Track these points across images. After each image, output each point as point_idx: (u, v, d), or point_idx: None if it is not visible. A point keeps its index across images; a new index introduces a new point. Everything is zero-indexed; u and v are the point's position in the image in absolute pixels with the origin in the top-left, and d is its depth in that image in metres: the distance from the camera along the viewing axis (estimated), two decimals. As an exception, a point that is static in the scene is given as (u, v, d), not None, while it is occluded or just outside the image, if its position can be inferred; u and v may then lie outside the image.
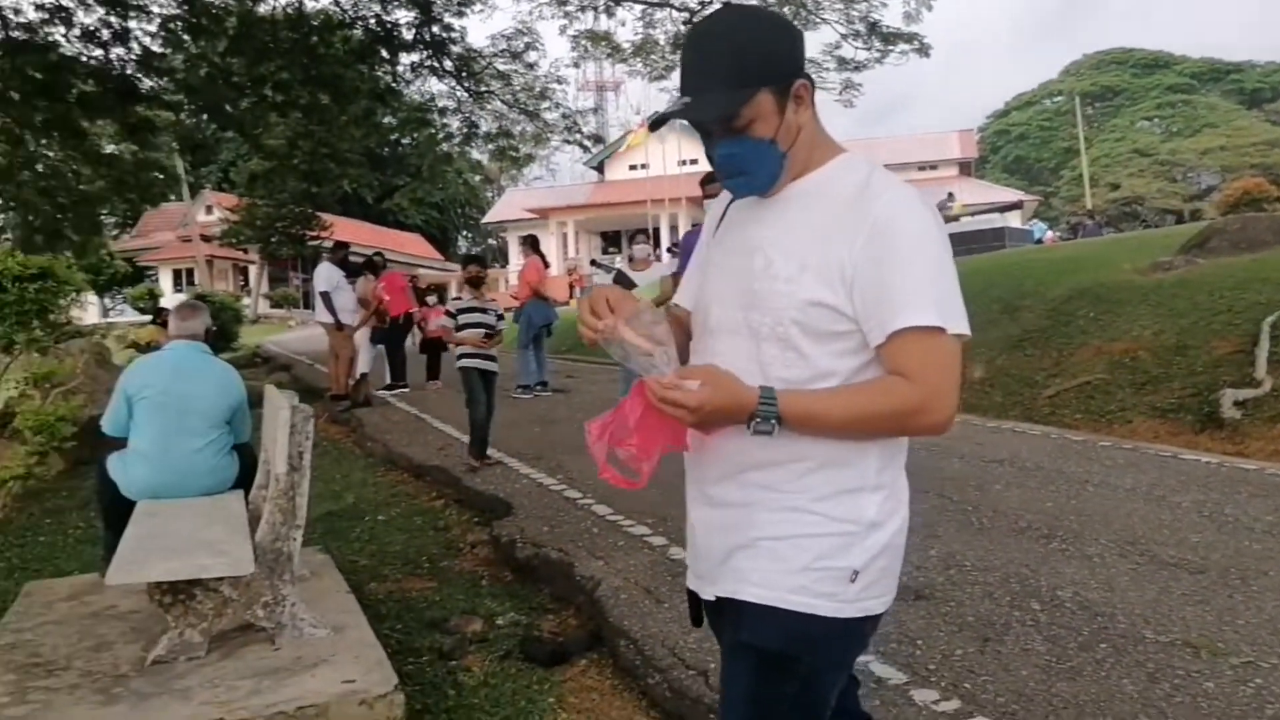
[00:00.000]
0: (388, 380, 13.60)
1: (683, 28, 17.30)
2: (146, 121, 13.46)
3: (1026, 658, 3.84)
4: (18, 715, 3.37)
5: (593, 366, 15.75)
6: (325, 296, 12.19)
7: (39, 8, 12.18)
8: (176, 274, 45.70)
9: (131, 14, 13.10)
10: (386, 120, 18.52)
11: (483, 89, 18.16)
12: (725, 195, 2.01)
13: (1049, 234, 32.69)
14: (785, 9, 16.76)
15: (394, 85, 16.87)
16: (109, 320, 38.22)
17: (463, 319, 7.94)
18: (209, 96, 13.31)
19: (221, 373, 5.15)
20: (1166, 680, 3.57)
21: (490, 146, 19.56)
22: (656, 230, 37.21)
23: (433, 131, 18.94)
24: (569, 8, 18.39)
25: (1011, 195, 39.22)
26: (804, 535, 1.77)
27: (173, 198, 37.10)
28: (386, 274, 13.52)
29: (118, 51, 13.16)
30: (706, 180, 6.69)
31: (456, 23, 16.85)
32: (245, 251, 42.36)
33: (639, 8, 18.61)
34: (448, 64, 17.10)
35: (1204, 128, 68.04)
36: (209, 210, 43.69)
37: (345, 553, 5.82)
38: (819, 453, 1.76)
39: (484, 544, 6.04)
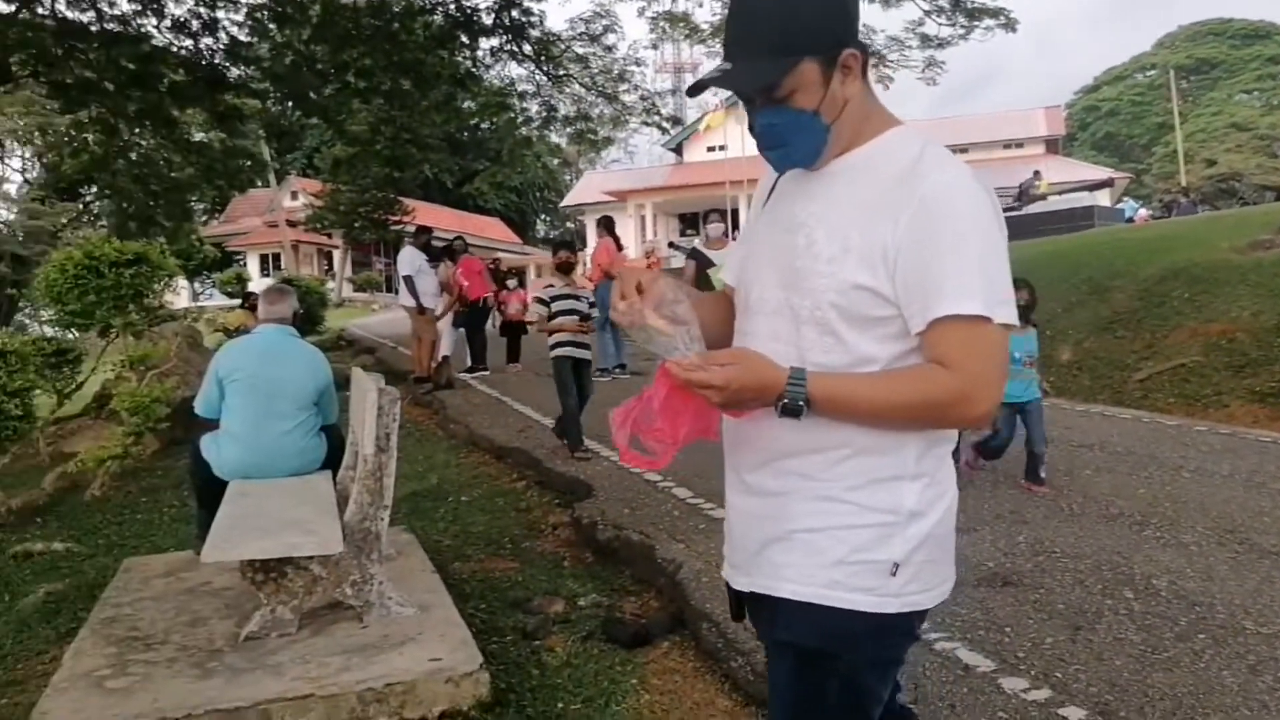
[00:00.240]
0: (468, 363, 13.73)
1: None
2: (234, 109, 13.73)
3: (1120, 647, 3.75)
4: (119, 687, 3.48)
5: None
6: (408, 280, 12.34)
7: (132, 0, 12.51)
8: (263, 259, 46.66)
9: (220, 4, 13.37)
10: (466, 105, 18.66)
11: (561, 72, 18.18)
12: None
13: (1141, 212, 31.76)
14: (865, -16, 16.47)
15: (474, 70, 16.98)
16: (199, 305, 39.27)
17: (556, 306, 7.85)
18: (294, 84, 13.53)
19: (309, 355, 5.24)
20: (1269, 673, 3.46)
21: (569, 130, 19.59)
22: (735, 211, 36.99)
23: (512, 116, 19.03)
24: (648, -11, 18.33)
25: (1101, 173, 38.06)
26: (839, 527, 1.70)
27: (259, 184, 38.01)
28: (464, 259, 13.62)
29: (206, 41, 13.46)
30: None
31: (535, 6, 16.96)
32: (329, 236, 43.11)
33: (718, -12, 18.45)
34: (527, 48, 17.15)
35: (1306, 100, 65.50)
36: (294, 196, 44.50)
37: (430, 533, 5.90)
38: (855, 439, 1.69)
39: (565, 526, 6.07)
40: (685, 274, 11.38)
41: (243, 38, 13.89)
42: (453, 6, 15.44)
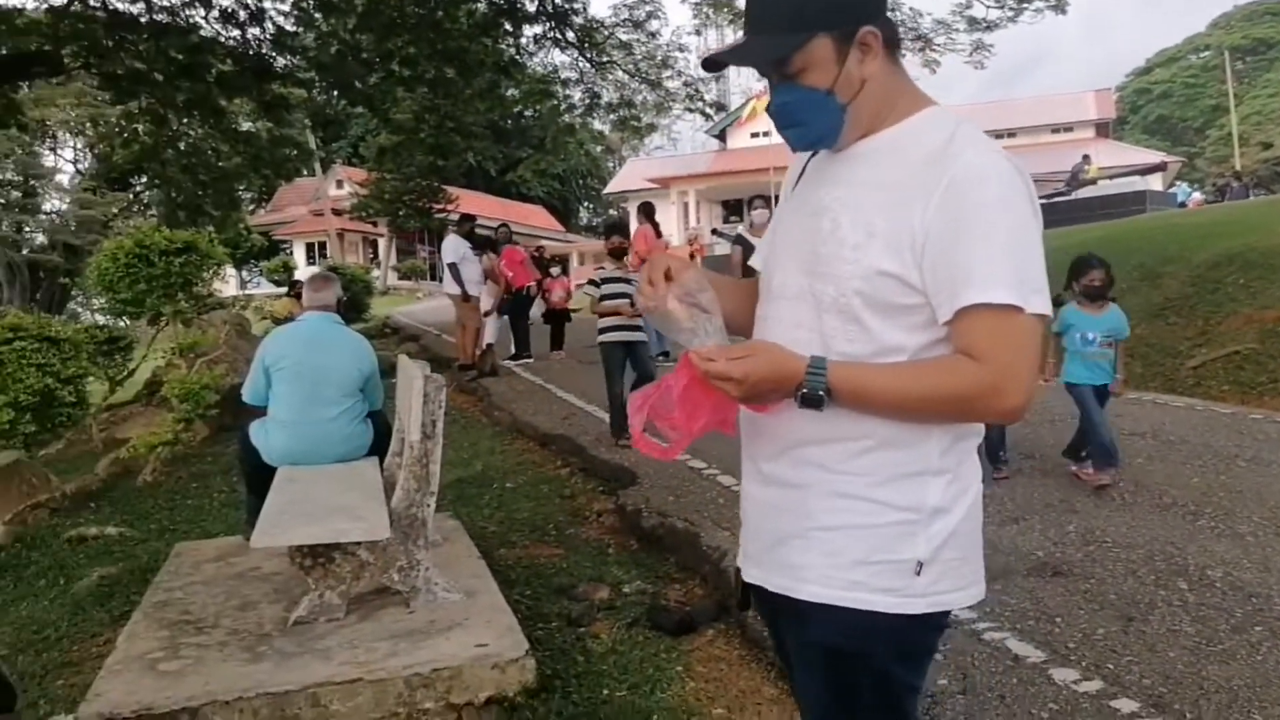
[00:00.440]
0: (512, 350, 13.78)
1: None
2: (281, 99, 13.86)
3: (1174, 639, 3.68)
4: (171, 669, 3.53)
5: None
6: (452, 268, 12.40)
7: (180, -10, 12.64)
8: (309, 247, 47.13)
9: (266, -6, 13.50)
10: (510, 93, 18.65)
11: (605, 59, 18.14)
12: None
13: (1195, 196, 31.20)
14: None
15: (517, 58, 16.98)
16: (246, 293, 39.74)
17: (606, 289, 7.79)
18: (339, 73, 13.62)
19: (353, 342, 5.28)
20: (1330, 667, 3.39)
21: (612, 117, 19.53)
22: (779, 197, 36.82)
23: (555, 103, 19.00)
24: (691, -26, 18.21)
25: (1153, 157, 37.36)
26: (858, 525, 1.65)
27: (305, 173, 38.36)
28: (506, 248, 13.67)
29: (253, 32, 13.57)
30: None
31: (578, -7, 16.86)
32: (374, 225, 43.43)
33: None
34: (570, 35, 17.12)
35: (1366, 81, 63.94)
36: (339, 185, 44.89)
37: (475, 519, 5.93)
38: (878, 431, 1.63)
39: (609, 513, 6.08)
40: (732, 261, 11.34)
41: (289, 27, 14.01)
42: (496, -7, 15.47)
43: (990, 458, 5.90)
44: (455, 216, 19.52)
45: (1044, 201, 22.30)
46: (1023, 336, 1.55)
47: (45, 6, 11.70)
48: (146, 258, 10.60)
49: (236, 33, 13.43)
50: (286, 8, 13.89)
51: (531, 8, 16.08)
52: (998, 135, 38.92)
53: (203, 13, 13.02)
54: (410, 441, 4.15)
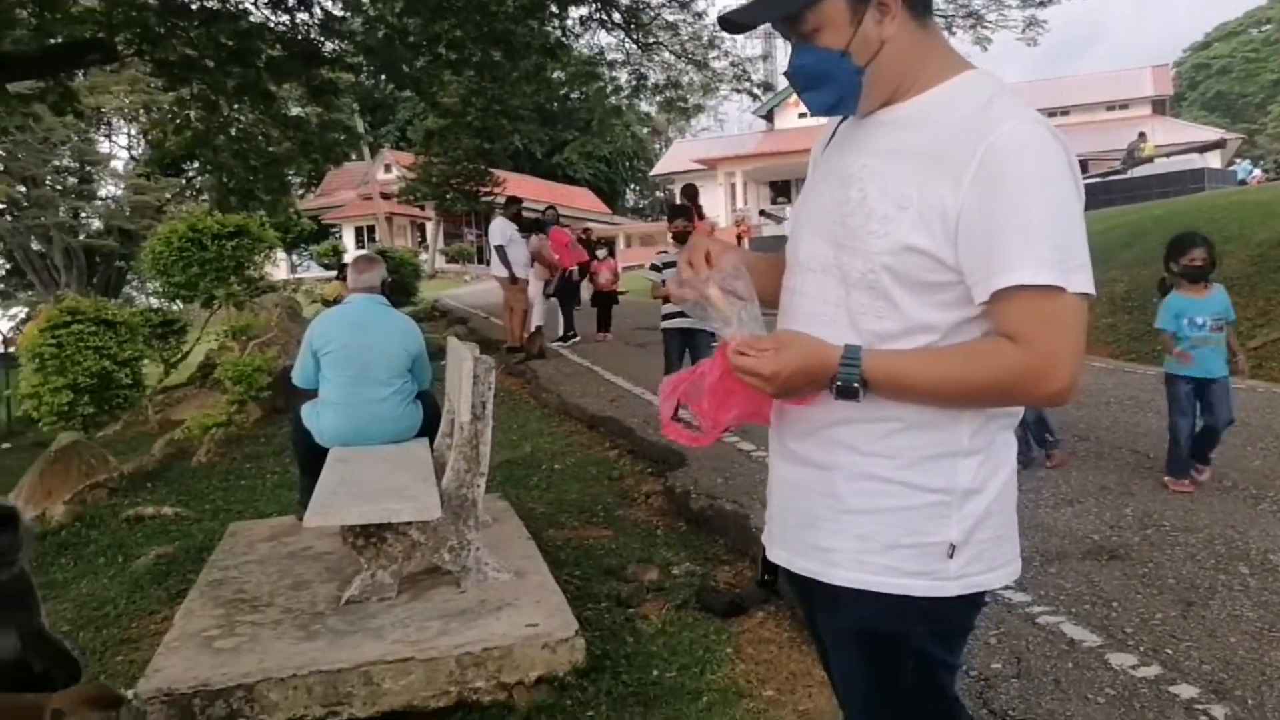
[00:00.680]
0: (560, 333, 13.82)
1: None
2: (329, 83, 13.92)
3: (1235, 624, 3.61)
4: (227, 646, 3.58)
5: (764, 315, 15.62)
6: (500, 250, 12.44)
7: (229, -25, 12.73)
8: (358, 231, 47.51)
9: (314, -21, 13.55)
10: (556, 75, 18.62)
11: (651, 40, 18.03)
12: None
13: (1255, 174, 30.49)
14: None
15: (563, 40, 16.92)
16: (297, 277, 40.18)
17: (668, 274, 7.68)
18: (386, 57, 13.64)
19: (400, 323, 5.29)
20: (1398, 654, 3.30)
21: (659, 98, 19.40)
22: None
23: (601, 85, 18.93)
24: (738, -48, 18.03)
25: (1211, 134, 36.49)
26: (888, 508, 1.61)
27: (354, 157, 38.59)
28: (553, 230, 13.67)
29: (301, 17, 13.63)
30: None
31: (624, -27, 16.77)
32: (422, 208, 43.70)
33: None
34: (616, 16, 17.04)
35: None
36: (387, 169, 45.16)
37: (524, 500, 5.95)
38: (907, 413, 1.59)
39: (658, 494, 6.07)
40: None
41: (336, 12, 14.07)
42: (542, -25, 15.41)
43: (1037, 441, 5.78)
44: (502, 199, 19.59)
45: (1099, 180, 22.00)
46: (1066, 318, 1.49)
47: (99, -6, 11.87)
48: (200, 242, 10.77)
49: (285, 18, 13.51)
50: (334, -8, 13.96)
51: (577, -11, 16.01)
52: (1050, 113, 38.27)
53: (252, -2, 13.12)
54: (460, 422, 4.17)
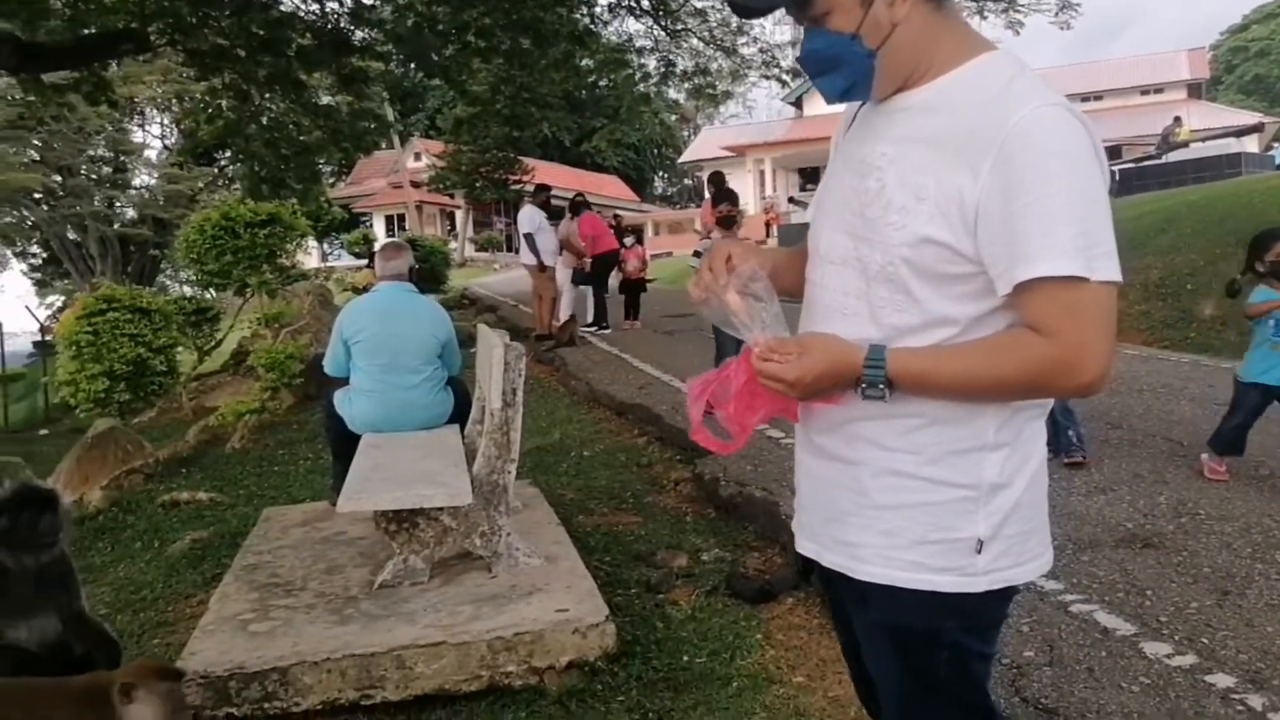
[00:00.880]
0: (589, 320, 13.81)
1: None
2: (359, 72, 13.98)
3: (1272, 614, 3.58)
4: (262, 630, 3.62)
5: (790, 306, 15.58)
6: (529, 238, 12.46)
7: (260, -34, 12.80)
8: (388, 219, 47.71)
9: (344, -32, 13.60)
10: (585, 63, 18.59)
11: (679, 27, 17.97)
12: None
13: (1292, 158, 30.00)
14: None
15: (592, 27, 16.90)
16: (328, 265, 40.42)
17: None
18: (416, 45, 13.67)
19: (429, 309, 5.32)
20: None
21: (687, 85, 19.37)
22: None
23: (630, 72, 18.90)
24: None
25: (1248, 118, 35.88)
26: (915, 504, 1.60)
27: (384, 145, 38.75)
28: (585, 214, 13.62)
29: (331, 5, 13.70)
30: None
31: (652, -41, 16.72)
32: (451, 197, 43.83)
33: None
34: (644, 2, 17.00)
35: None
36: (417, 157, 45.31)
37: (553, 487, 5.97)
38: (930, 408, 1.57)
39: (687, 481, 6.07)
40: None
41: (366, 1, 14.13)
42: (571, -37, 15.38)
43: (1057, 442, 5.42)
44: (531, 187, 19.61)
45: (1133, 166, 21.71)
46: (1092, 308, 1.45)
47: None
48: (233, 230, 10.83)
49: (315, 7, 13.59)
50: (364, -20, 14.01)
51: (605, -24, 15.99)
52: (1083, 98, 37.88)
53: (282, -13, 13.18)
54: (491, 409, 4.19)
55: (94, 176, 37.04)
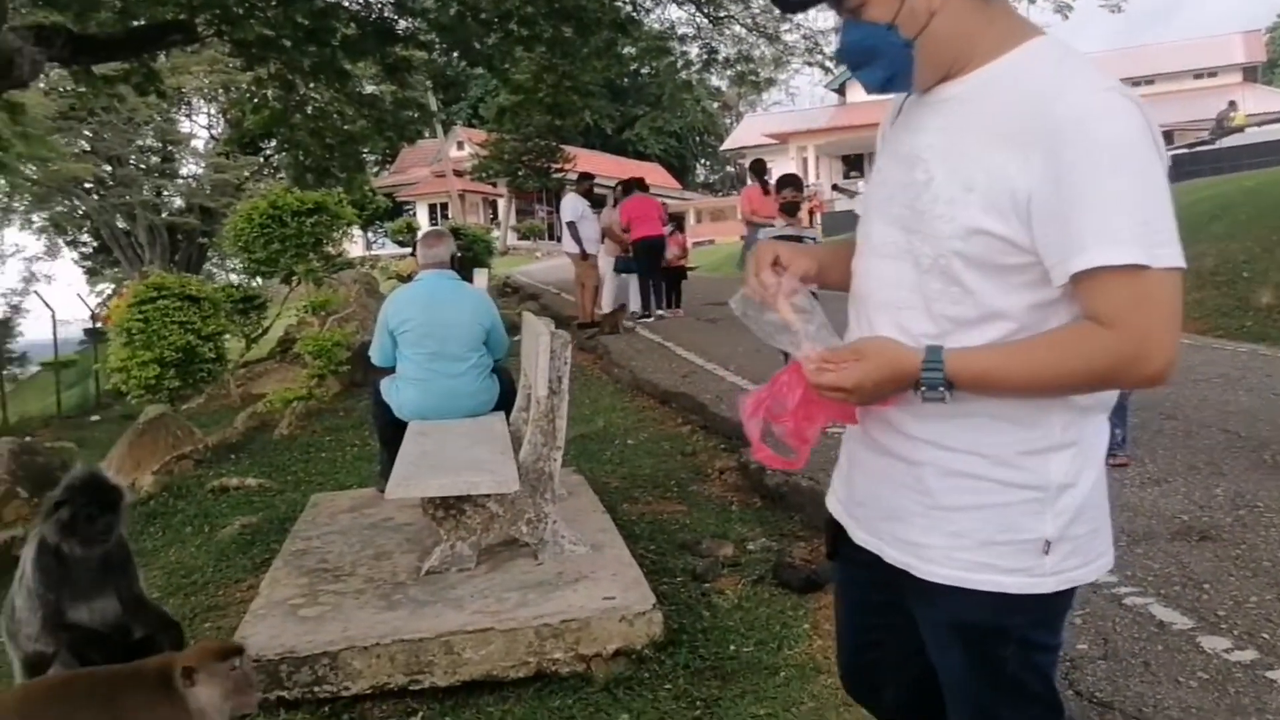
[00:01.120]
0: (635, 308, 13.74)
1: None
2: (403, 61, 14.04)
3: (1336, 609, 3.49)
4: (311, 615, 3.65)
5: (826, 294, 15.47)
6: (571, 227, 12.45)
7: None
8: (432, 208, 47.92)
9: (387, -43, 13.66)
10: (627, 50, 18.55)
11: (722, 14, 17.89)
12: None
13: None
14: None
15: (634, 15, 16.84)
16: (373, 253, 40.72)
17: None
18: (459, 34, 13.71)
19: (472, 297, 5.33)
20: None
21: (730, 72, 19.29)
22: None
23: (672, 60, 18.84)
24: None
25: (1306, 102, 35.21)
26: (981, 505, 1.57)
27: (427, 134, 38.91)
28: (635, 197, 13.25)
29: (375, -5, 13.79)
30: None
31: (695, -53, 16.66)
32: (494, 185, 43.96)
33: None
34: (687, -11, 16.95)
35: None
36: (460, 146, 45.46)
37: (598, 474, 5.97)
38: (993, 406, 1.53)
39: (732, 470, 6.04)
40: None
41: (410, -10, 14.18)
42: (613, -50, 15.34)
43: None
44: (573, 175, 19.62)
45: (1186, 151, 21.34)
46: (1156, 295, 1.41)
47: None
48: (280, 218, 10.94)
49: (359, -4, 13.67)
50: (407, -30, 14.06)
51: (648, -37, 15.93)
52: (1134, 83, 37.12)
53: (326, -23, 13.26)
54: (537, 397, 4.19)
55: (143, 166, 37.55)
